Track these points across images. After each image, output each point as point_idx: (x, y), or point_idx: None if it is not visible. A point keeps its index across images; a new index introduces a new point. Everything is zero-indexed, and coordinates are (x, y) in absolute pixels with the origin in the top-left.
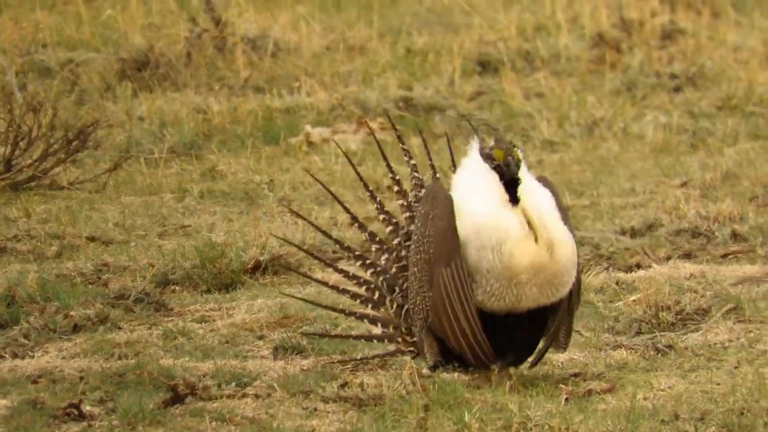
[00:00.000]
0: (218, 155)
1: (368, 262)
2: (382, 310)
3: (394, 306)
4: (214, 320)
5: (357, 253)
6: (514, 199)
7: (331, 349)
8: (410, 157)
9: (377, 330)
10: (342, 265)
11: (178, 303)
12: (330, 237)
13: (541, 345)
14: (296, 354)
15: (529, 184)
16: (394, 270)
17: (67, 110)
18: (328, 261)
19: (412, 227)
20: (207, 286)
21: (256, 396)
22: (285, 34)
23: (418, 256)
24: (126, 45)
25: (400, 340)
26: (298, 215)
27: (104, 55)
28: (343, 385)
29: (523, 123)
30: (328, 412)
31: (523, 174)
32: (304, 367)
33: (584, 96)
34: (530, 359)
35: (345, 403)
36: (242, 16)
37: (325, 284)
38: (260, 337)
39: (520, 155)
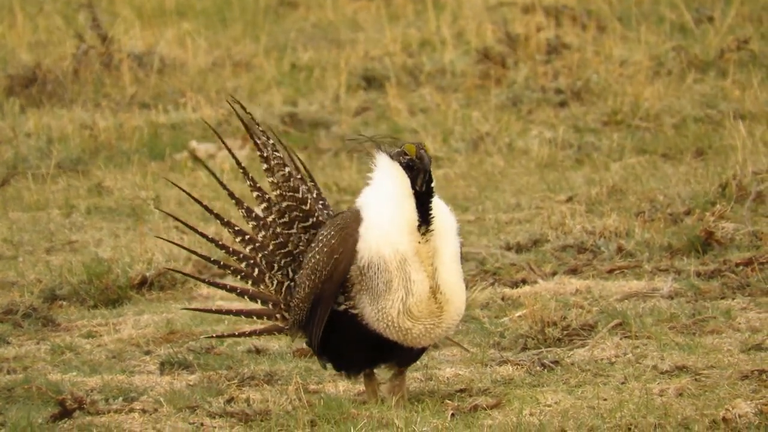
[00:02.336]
0: (105, 171)
1: (247, 237)
2: (262, 287)
3: (274, 283)
4: (101, 335)
5: (237, 228)
6: (426, 221)
7: (217, 364)
8: (268, 138)
9: (255, 306)
10: (227, 281)
11: (66, 318)
12: (207, 238)
13: None
14: (183, 369)
15: (439, 206)
16: (271, 247)
17: None
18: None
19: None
20: (94, 301)
21: (143, 411)
22: (171, 51)
23: (313, 277)
24: (13, 61)
25: (278, 316)
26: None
27: None
28: (229, 401)
29: (408, 138)
30: (215, 428)
31: (434, 194)
32: (191, 382)
33: (469, 111)
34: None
35: (231, 419)
36: (128, 33)
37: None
38: (147, 353)
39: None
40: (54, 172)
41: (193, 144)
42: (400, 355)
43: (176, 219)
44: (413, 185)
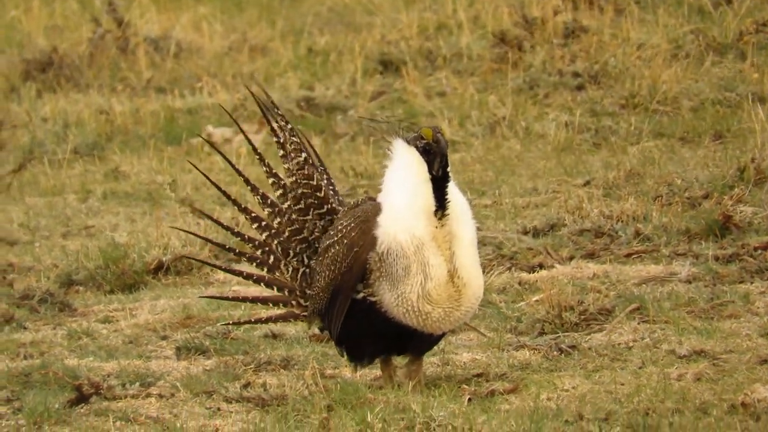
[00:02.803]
0: (121, 156)
1: (263, 223)
2: (277, 274)
3: (290, 269)
4: (117, 320)
5: (253, 214)
6: (443, 206)
7: (233, 349)
8: (287, 122)
9: (271, 292)
10: (242, 266)
11: (82, 303)
12: (222, 225)
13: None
14: (199, 354)
15: (454, 191)
16: (287, 234)
17: None
18: (229, 249)
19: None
20: (110, 286)
21: (160, 396)
22: (187, 35)
23: (333, 268)
24: (30, 46)
25: (293, 303)
26: (202, 213)
27: (8, 56)
28: (245, 386)
29: (424, 122)
30: (231, 412)
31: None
32: (207, 367)
33: (486, 95)
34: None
35: (248, 403)
36: (144, 17)
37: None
38: (163, 338)
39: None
40: (70, 157)
41: (209, 129)
42: (418, 343)
43: (191, 206)
44: (430, 170)
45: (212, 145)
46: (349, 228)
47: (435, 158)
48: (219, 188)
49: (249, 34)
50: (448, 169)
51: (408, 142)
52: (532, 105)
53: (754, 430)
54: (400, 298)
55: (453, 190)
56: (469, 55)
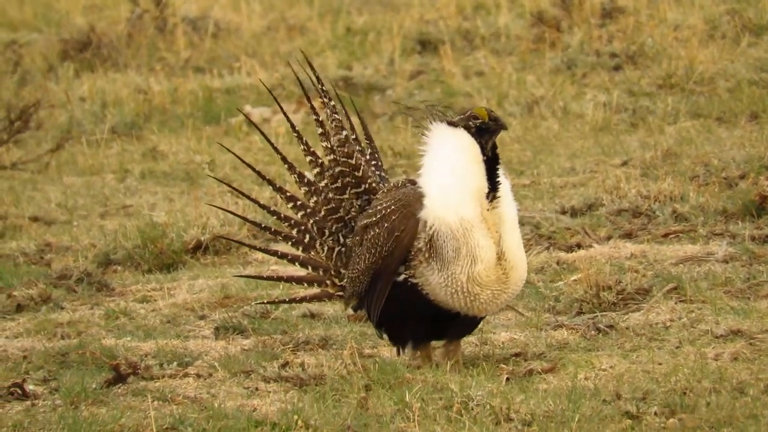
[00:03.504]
0: (159, 135)
1: (299, 203)
2: (312, 253)
3: (325, 249)
4: (155, 300)
5: (288, 193)
6: (495, 188)
7: (271, 329)
8: (329, 99)
9: (306, 272)
10: (279, 246)
11: (120, 283)
12: (259, 204)
13: None
14: (237, 334)
15: (503, 177)
16: (323, 213)
17: (9, 91)
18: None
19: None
20: (148, 266)
21: (198, 376)
22: (225, 15)
23: (373, 251)
24: (68, 26)
25: (328, 282)
26: (240, 192)
27: (46, 35)
28: (284, 365)
29: (462, 102)
30: (269, 392)
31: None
32: (245, 347)
33: (524, 75)
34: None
35: (286, 383)
36: None
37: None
38: (201, 317)
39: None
40: (108, 137)
41: (248, 108)
42: (459, 326)
43: (229, 186)
44: (483, 151)
45: (253, 122)
46: (389, 211)
47: (492, 137)
48: (254, 169)
49: (287, 13)
50: (497, 150)
51: (454, 124)
52: (569, 85)
53: None
54: (450, 279)
55: (501, 173)
56: (507, 34)
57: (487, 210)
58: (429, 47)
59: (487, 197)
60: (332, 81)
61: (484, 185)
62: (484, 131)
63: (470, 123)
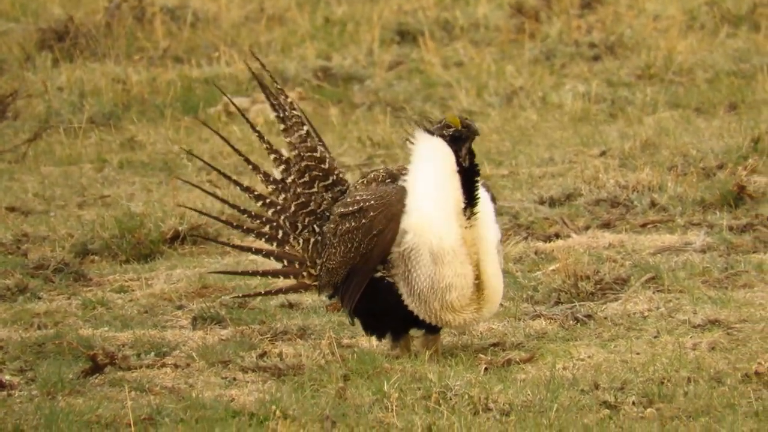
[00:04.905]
0: (137, 125)
1: (269, 201)
2: (287, 248)
3: (300, 241)
4: (133, 290)
5: (256, 193)
6: (472, 203)
7: (249, 319)
8: (286, 96)
9: (281, 265)
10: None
11: (98, 273)
12: (241, 187)
13: None
14: (215, 324)
15: (484, 196)
16: (293, 208)
17: None
18: (237, 226)
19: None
20: (126, 256)
21: (175, 366)
22: (204, 4)
23: (349, 245)
24: (45, 15)
25: (305, 274)
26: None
27: (24, 25)
28: (262, 355)
29: (441, 92)
30: (247, 382)
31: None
32: (223, 337)
33: (503, 65)
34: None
35: (264, 373)
36: None
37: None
38: (179, 307)
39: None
40: (86, 127)
41: (225, 99)
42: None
43: (211, 166)
44: (458, 160)
45: (237, 108)
46: (368, 205)
47: (464, 145)
48: (239, 152)
49: (266, 3)
50: (475, 161)
51: (432, 133)
52: (548, 75)
53: (767, 398)
54: (422, 305)
55: (482, 192)
56: (486, 25)
57: (465, 228)
58: (408, 38)
59: (464, 212)
60: (312, 71)
61: (460, 199)
62: (458, 139)
63: (444, 132)
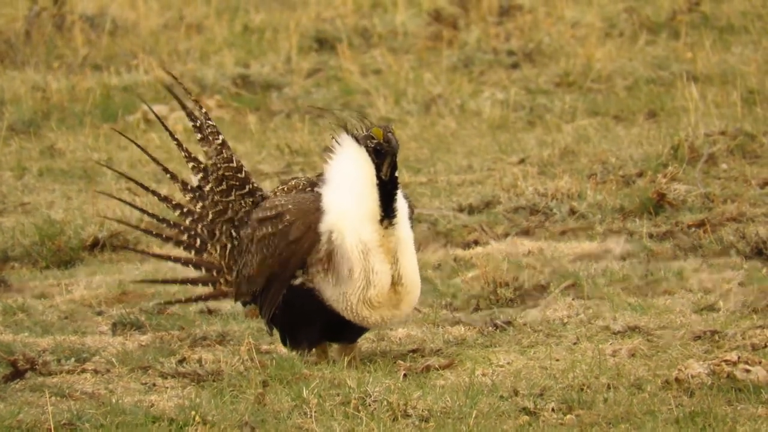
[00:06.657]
0: (57, 133)
1: (186, 210)
2: (205, 255)
3: (218, 248)
4: (53, 296)
5: (174, 202)
6: (390, 215)
7: (169, 324)
8: (200, 106)
9: (199, 273)
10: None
11: (18, 279)
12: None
13: None
14: (135, 329)
15: (401, 200)
16: (211, 216)
17: None
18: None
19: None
20: (46, 262)
21: (96, 371)
22: (123, 12)
23: (265, 251)
24: None
25: (221, 281)
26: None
27: None
28: (181, 361)
29: (360, 100)
30: (167, 388)
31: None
32: (143, 343)
33: (421, 73)
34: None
35: (183, 379)
36: None
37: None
38: (99, 313)
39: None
40: (6, 134)
41: (144, 107)
42: (354, 331)
43: (128, 177)
44: (378, 173)
45: (157, 116)
46: (285, 210)
47: (385, 159)
48: (156, 161)
49: (185, 11)
50: (397, 173)
51: (357, 140)
52: (467, 83)
53: (687, 405)
54: (342, 296)
55: (399, 197)
56: (404, 32)
57: (382, 235)
58: (326, 45)
59: (381, 223)
60: (230, 78)
61: (377, 211)
62: (379, 152)
63: (368, 142)
